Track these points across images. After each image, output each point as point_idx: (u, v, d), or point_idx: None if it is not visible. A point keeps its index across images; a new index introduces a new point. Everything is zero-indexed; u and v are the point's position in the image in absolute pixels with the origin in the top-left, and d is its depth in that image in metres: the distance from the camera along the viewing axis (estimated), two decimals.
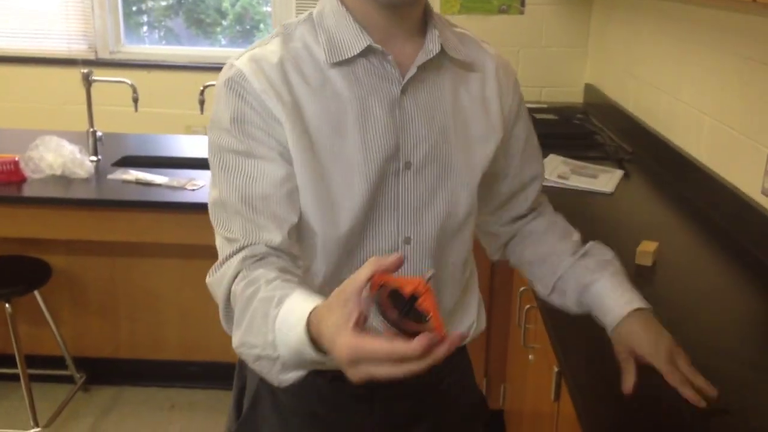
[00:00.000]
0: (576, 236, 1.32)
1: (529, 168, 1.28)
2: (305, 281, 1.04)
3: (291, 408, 1.15)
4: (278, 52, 1.05)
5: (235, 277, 0.99)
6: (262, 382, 1.22)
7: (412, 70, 1.06)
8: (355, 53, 1.04)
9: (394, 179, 1.08)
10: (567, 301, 1.26)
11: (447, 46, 1.09)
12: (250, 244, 1.01)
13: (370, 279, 0.76)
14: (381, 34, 1.06)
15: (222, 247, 1.05)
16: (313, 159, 1.04)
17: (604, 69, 3.54)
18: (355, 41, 1.04)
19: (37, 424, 2.66)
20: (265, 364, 0.90)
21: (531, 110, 3.68)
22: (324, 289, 1.09)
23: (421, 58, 1.06)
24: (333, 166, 1.05)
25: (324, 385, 1.18)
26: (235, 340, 0.94)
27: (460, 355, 1.28)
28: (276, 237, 1.02)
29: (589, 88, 3.72)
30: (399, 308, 0.75)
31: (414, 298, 0.75)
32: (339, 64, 1.05)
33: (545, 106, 3.52)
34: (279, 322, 0.86)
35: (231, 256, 1.02)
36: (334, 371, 1.15)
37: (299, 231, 1.07)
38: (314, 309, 0.82)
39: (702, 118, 2.34)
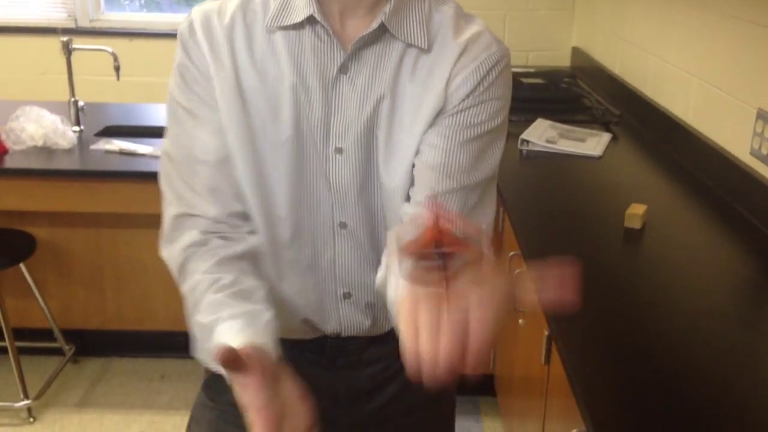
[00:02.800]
0: None
1: (437, 158, 1.02)
2: (247, 255, 1.07)
3: None
4: (235, 10, 1.02)
5: (181, 265, 1.05)
6: None
7: (349, 49, 1.00)
8: (297, 21, 0.99)
9: (324, 163, 1.04)
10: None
11: (391, 23, 0.99)
12: (190, 215, 1.05)
13: None
14: (340, 5, 1.00)
15: (164, 203, 1.08)
16: (243, 125, 1.02)
17: (591, 32, 3.52)
18: (302, 8, 0.99)
19: (27, 397, 2.66)
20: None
21: (518, 74, 3.63)
22: (266, 260, 1.09)
23: (359, 35, 1.00)
24: (264, 137, 1.02)
25: (285, 351, 1.17)
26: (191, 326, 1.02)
27: None
28: (211, 209, 1.04)
29: (576, 52, 3.70)
30: (433, 254, 0.69)
31: (436, 242, 0.69)
32: (285, 29, 1.01)
33: (532, 70, 3.50)
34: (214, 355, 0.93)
35: (173, 231, 1.06)
36: (292, 340, 1.16)
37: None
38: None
39: (690, 80, 2.32)
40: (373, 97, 1.01)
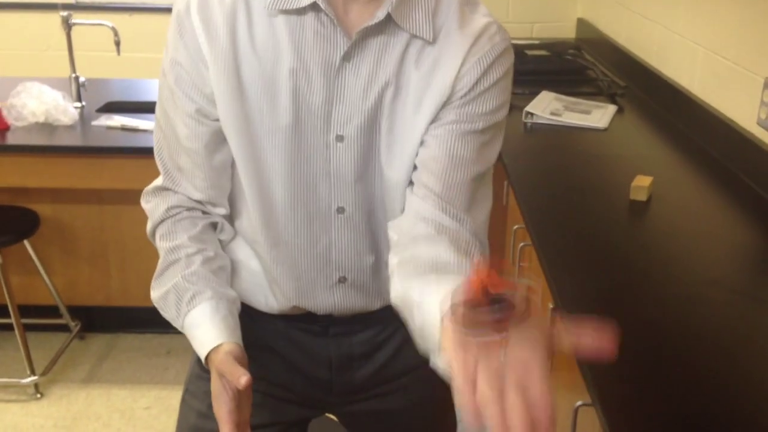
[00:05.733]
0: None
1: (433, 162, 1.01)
2: (223, 241, 1.15)
3: (250, 341, 1.14)
4: None
5: (161, 222, 1.10)
6: None
7: (353, 37, 0.98)
8: (300, 6, 0.97)
9: (324, 150, 1.03)
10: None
11: (397, 14, 0.97)
12: (174, 191, 1.10)
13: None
14: None
15: (159, 167, 1.13)
16: (240, 110, 1.01)
17: (596, 2, 3.47)
18: None
19: (33, 373, 2.67)
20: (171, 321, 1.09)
21: (522, 47, 3.60)
22: (255, 245, 1.12)
23: (364, 24, 0.98)
24: (261, 123, 1.01)
25: (277, 321, 1.18)
26: (154, 295, 1.09)
27: None
28: (194, 193, 1.09)
29: (582, 23, 3.66)
30: (487, 310, 0.68)
31: (486, 290, 0.69)
32: (287, 12, 0.98)
33: (537, 42, 3.46)
34: (187, 323, 1.04)
35: (159, 192, 1.12)
36: (285, 315, 1.17)
37: (232, 188, 1.11)
38: (214, 349, 1.00)
39: (696, 49, 2.30)
40: (377, 86, 1.01)
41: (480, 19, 1.02)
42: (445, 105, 1.01)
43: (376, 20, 0.97)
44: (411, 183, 1.05)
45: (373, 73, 1.00)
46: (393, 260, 1.01)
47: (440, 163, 1.01)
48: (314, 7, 0.97)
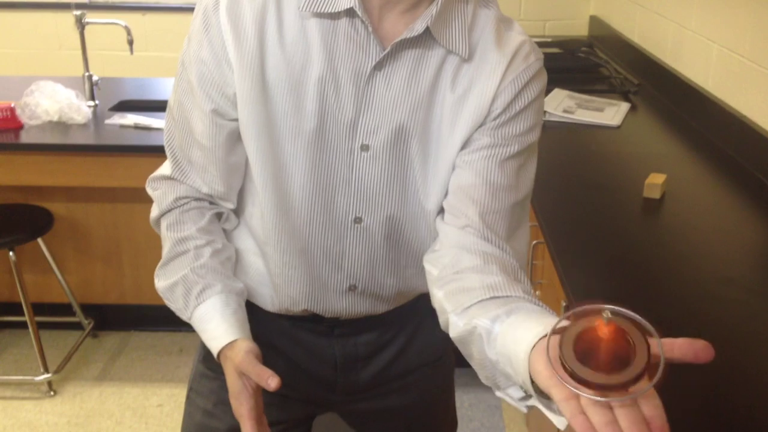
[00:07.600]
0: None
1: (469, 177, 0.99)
2: (233, 236, 1.15)
3: (254, 339, 1.14)
4: None
5: (169, 210, 1.11)
6: None
7: (387, 47, 0.96)
8: (335, 10, 0.94)
9: (348, 158, 1.01)
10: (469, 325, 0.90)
11: (435, 28, 0.95)
12: (182, 182, 1.10)
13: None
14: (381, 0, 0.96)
15: (168, 155, 1.11)
16: (263, 113, 0.99)
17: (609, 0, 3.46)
18: None
19: (47, 371, 2.69)
20: (177, 312, 1.10)
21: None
22: (266, 246, 1.10)
23: (402, 36, 0.96)
24: (284, 126, 0.99)
25: (281, 320, 1.18)
26: (159, 284, 1.11)
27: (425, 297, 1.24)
28: (203, 187, 1.09)
29: (594, 20, 3.64)
30: (593, 363, 0.63)
31: (600, 344, 0.64)
32: (320, 15, 0.96)
33: (549, 39, 3.45)
34: (196, 316, 1.06)
35: (167, 180, 1.11)
36: (290, 315, 1.17)
37: (244, 184, 1.10)
38: (229, 345, 1.01)
39: (710, 46, 2.28)
40: (408, 102, 0.98)
41: (516, 37, 1.00)
42: (479, 126, 0.99)
43: (414, 33, 0.94)
44: (442, 211, 1.02)
45: (406, 86, 0.98)
46: (438, 294, 0.97)
47: (479, 191, 0.98)
48: (350, 12, 0.95)
